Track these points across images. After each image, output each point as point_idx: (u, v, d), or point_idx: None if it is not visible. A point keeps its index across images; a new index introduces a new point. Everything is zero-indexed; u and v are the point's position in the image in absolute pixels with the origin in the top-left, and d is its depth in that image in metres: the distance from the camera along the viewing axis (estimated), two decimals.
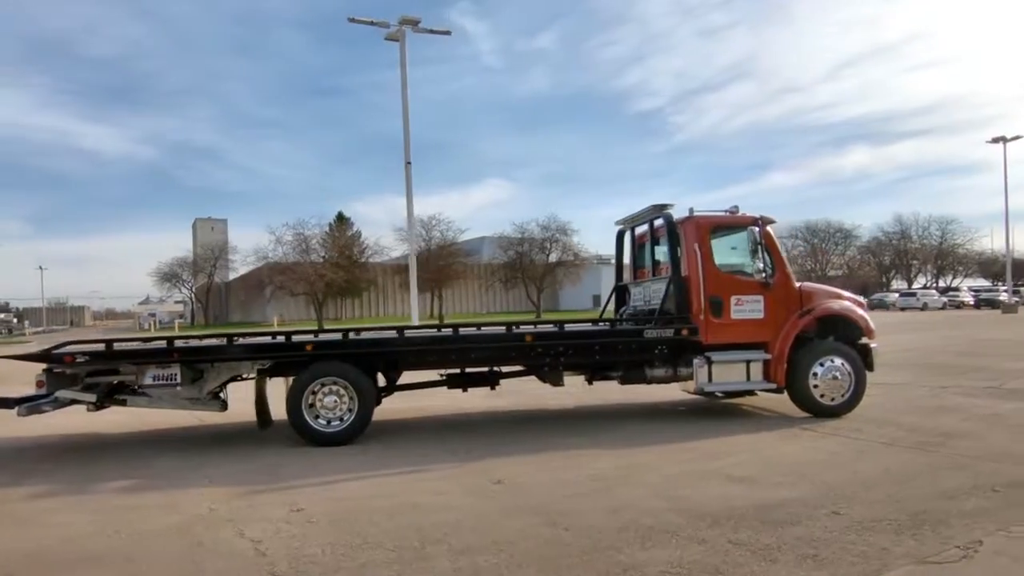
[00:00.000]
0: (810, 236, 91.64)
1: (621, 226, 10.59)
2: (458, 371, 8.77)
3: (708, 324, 8.53)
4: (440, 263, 58.73)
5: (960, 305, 61.12)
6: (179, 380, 7.53)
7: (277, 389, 8.00)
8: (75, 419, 9.06)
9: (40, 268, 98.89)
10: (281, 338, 8.04)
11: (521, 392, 10.59)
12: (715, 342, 8.56)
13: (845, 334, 9.00)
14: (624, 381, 9.03)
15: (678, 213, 9.08)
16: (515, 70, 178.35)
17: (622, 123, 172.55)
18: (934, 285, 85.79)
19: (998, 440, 7.05)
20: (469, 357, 8.53)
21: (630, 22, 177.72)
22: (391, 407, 9.60)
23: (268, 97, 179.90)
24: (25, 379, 8.25)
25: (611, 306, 10.98)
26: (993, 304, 54.96)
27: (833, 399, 8.59)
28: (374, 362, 8.12)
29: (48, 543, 4.56)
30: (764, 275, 8.62)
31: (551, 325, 8.74)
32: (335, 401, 7.68)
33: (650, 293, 9.66)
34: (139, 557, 4.28)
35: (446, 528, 4.68)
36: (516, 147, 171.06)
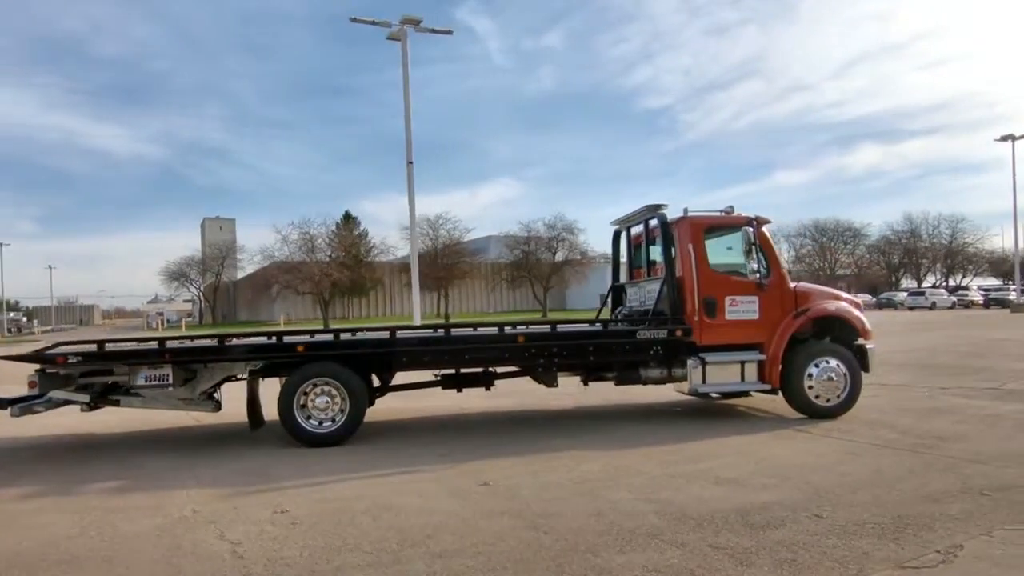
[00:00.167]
0: (819, 235, 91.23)
1: (617, 226, 10.56)
2: (453, 372, 8.77)
3: (702, 325, 8.49)
4: (446, 262, 58.84)
5: (969, 304, 60.67)
6: (171, 381, 7.55)
7: (271, 390, 8.01)
8: (71, 419, 9.13)
9: (49, 267, 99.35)
10: (272, 339, 8.04)
11: (521, 393, 10.56)
12: (709, 343, 8.52)
13: (841, 335, 8.95)
14: (619, 382, 9.00)
15: (674, 213, 9.04)
16: (523, 69, 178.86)
17: (630, 121, 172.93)
18: (944, 284, 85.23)
19: (992, 442, 6.98)
20: (463, 358, 8.50)
21: (638, 20, 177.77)
22: (387, 407, 9.64)
23: (277, 96, 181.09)
24: (22, 379, 8.28)
25: (609, 306, 10.95)
26: (1003, 303, 54.58)
27: (828, 400, 8.53)
28: (366, 363, 8.12)
29: (29, 544, 4.58)
30: (758, 276, 8.57)
31: (544, 326, 8.69)
32: (327, 402, 7.68)
33: (645, 293, 9.63)
34: (117, 559, 4.29)
35: (427, 530, 4.67)
36: (524, 146, 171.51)
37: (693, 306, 8.51)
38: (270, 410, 7.84)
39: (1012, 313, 44.03)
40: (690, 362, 8.41)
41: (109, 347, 7.66)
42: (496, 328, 8.50)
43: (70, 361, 7.32)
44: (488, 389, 8.98)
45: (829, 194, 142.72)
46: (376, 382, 8.64)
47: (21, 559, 4.32)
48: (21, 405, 7.42)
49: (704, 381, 8.43)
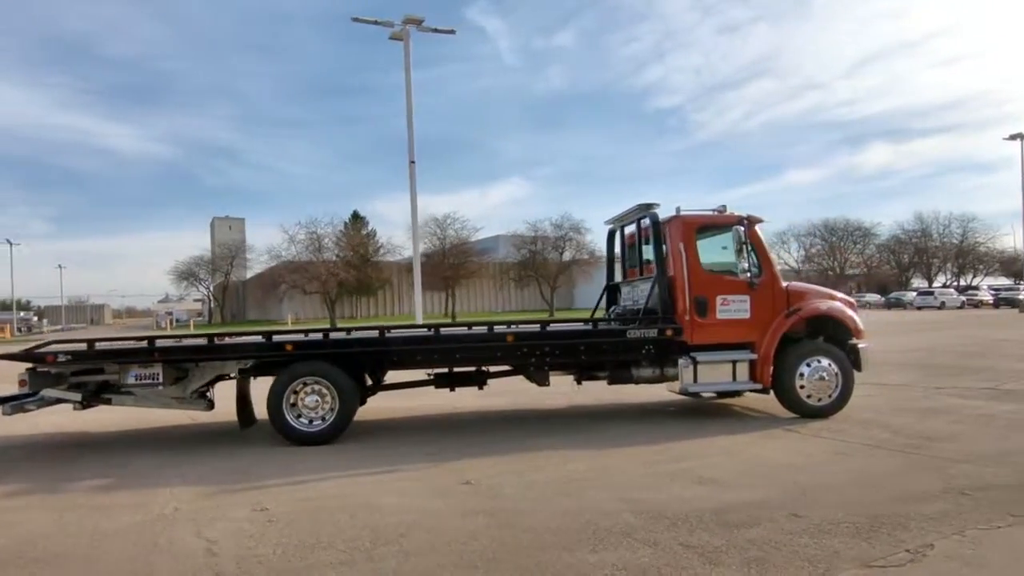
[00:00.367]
0: (828, 234, 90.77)
1: (611, 225, 10.56)
2: (446, 371, 8.79)
3: (693, 324, 8.47)
4: (453, 261, 58.96)
5: (979, 304, 60.24)
6: (161, 379, 7.61)
7: (265, 389, 8.04)
8: (65, 418, 9.20)
9: (59, 267, 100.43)
10: (262, 338, 8.08)
11: (515, 392, 10.54)
12: (701, 342, 8.50)
13: (835, 335, 8.90)
14: (611, 381, 8.98)
15: (669, 212, 9.01)
16: (533, 68, 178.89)
17: (640, 121, 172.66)
18: (954, 284, 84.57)
19: (981, 442, 6.94)
20: (453, 357, 8.51)
21: (650, 19, 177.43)
22: (381, 406, 9.68)
23: (288, 96, 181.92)
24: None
25: (604, 305, 10.92)
26: (1013, 303, 54.07)
27: (820, 400, 8.50)
28: (356, 362, 8.14)
29: (5, 542, 4.62)
30: (750, 275, 8.54)
31: (533, 325, 8.70)
32: (317, 401, 7.72)
33: (638, 293, 9.61)
34: (93, 557, 4.33)
35: (402, 529, 4.69)
36: (534, 145, 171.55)
37: (684, 305, 8.50)
38: (263, 409, 7.88)
39: (1021, 313, 43.66)
40: (681, 361, 8.39)
41: (99, 346, 7.72)
42: (485, 328, 8.51)
43: (60, 360, 7.39)
44: (481, 388, 9.00)
45: (841, 193, 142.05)
46: (368, 381, 8.67)
47: None
48: (12, 404, 7.49)
49: (695, 380, 8.40)
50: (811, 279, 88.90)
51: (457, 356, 8.50)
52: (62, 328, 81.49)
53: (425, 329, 9.23)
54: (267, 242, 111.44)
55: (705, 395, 9.35)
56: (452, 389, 8.94)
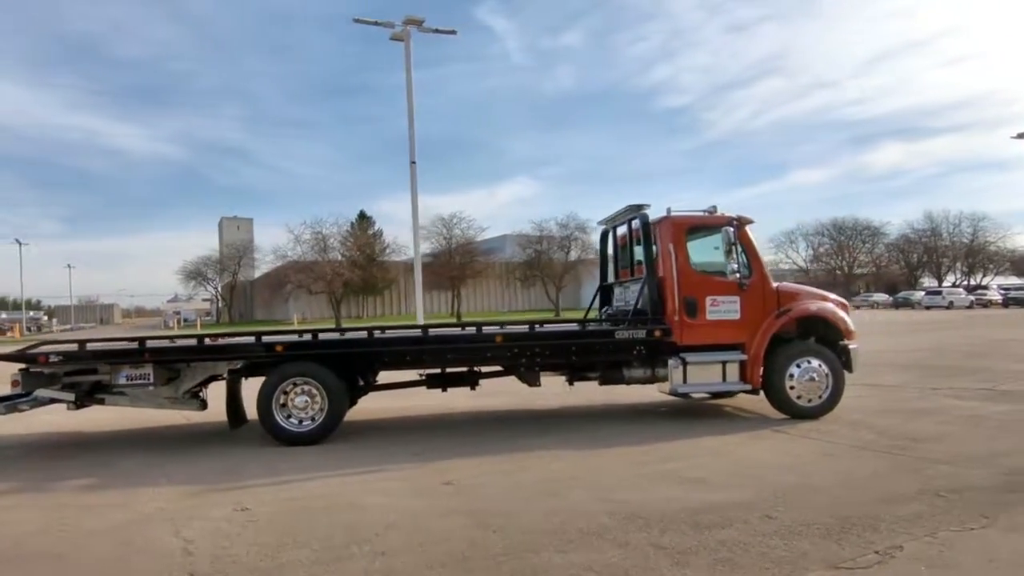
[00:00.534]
0: (837, 233, 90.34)
1: (604, 226, 10.57)
2: (438, 371, 8.83)
3: (683, 325, 8.47)
4: (459, 261, 59.08)
5: (988, 304, 59.83)
6: (152, 380, 7.68)
7: (256, 389, 8.09)
8: (61, 417, 9.26)
9: (68, 266, 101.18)
10: (251, 339, 8.14)
11: (511, 392, 10.48)
12: (690, 343, 8.50)
13: (826, 336, 8.90)
14: (603, 382, 9.00)
15: (663, 212, 9.00)
16: (541, 68, 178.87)
17: (649, 120, 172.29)
18: (964, 283, 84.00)
19: (968, 444, 6.92)
20: (444, 358, 8.55)
21: (657, 18, 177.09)
22: (375, 406, 9.76)
23: (296, 96, 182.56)
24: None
25: (598, 306, 10.94)
26: (1022, 303, 53.69)
27: (810, 401, 8.49)
28: (346, 363, 8.18)
29: None
30: (739, 276, 8.53)
31: (523, 326, 8.72)
32: (306, 401, 7.77)
33: (630, 294, 9.61)
34: (70, 556, 4.40)
35: (378, 529, 4.73)
36: (542, 145, 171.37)
37: (673, 306, 8.51)
38: (255, 409, 7.93)
39: None
40: (671, 362, 8.40)
41: (90, 347, 7.80)
42: (474, 328, 8.55)
43: (52, 360, 7.47)
44: (473, 388, 9.03)
45: (850, 193, 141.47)
46: (360, 382, 8.72)
47: None
48: (6, 404, 7.58)
49: (685, 381, 8.40)
50: (819, 278, 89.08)
51: (448, 357, 8.54)
52: (71, 328, 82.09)
53: (415, 330, 9.24)
54: (275, 242, 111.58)
55: (695, 396, 9.35)
56: (444, 390, 8.97)
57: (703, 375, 8.47)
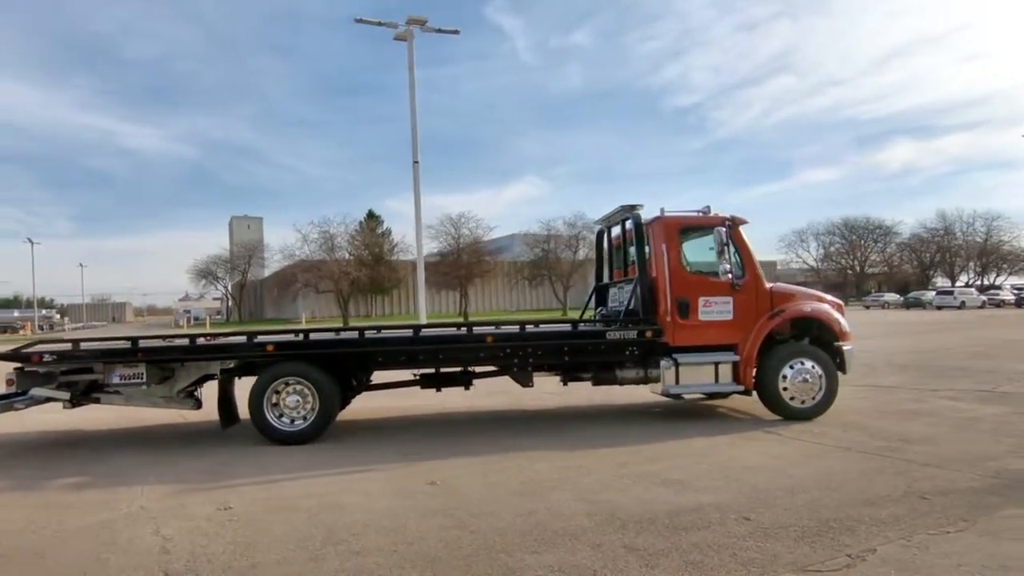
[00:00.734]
0: (848, 232, 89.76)
1: (600, 226, 10.56)
2: (432, 371, 8.85)
3: (675, 325, 8.46)
4: (467, 260, 59.15)
5: (1000, 304, 59.23)
6: (145, 379, 7.75)
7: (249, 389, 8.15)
8: (60, 416, 9.32)
9: (80, 265, 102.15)
10: (243, 339, 8.19)
11: (508, 393, 10.52)
12: (682, 344, 8.48)
13: (820, 337, 8.85)
14: (596, 382, 9.00)
15: (664, 212, 8.96)
16: (550, 67, 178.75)
17: (658, 119, 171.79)
18: (978, 283, 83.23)
19: (958, 446, 6.86)
20: (437, 358, 8.57)
21: (667, 17, 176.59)
22: (370, 406, 9.83)
23: (307, 95, 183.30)
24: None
25: (593, 306, 10.93)
26: None
27: (803, 402, 8.45)
28: (338, 363, 8.21)
29: None
30: (732, 276, 8.50)
31: (513, 326, 8.72)
32: (298, 401, 7.81)
33: (624, 294, 9.59)
34: (49, 553, 4.45)
35: (356, 529, 4.75)
36: (551, 144, 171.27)
37: (666, 306, 8.49)
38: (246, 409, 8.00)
39: None
40: (663, 363, 8.38)
41: (83, 346, 7.88)
42: (465, 328, 8.57)
43: (45, 360, 7.55)
44: (467, 389, 9.05)
45: (863, 192, 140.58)
46: (353, 382, 8.77)
47: None
48: (2, 402, 7.66)
49: (677, 382, 8.38)
50: (830, 278, 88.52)
51: (440, 357, 8.56)
52: (82, 326, 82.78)
53: (407, 330, 9.25)
54: (285, 241, 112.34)
55: (688, 396, 9.32)
56: (438, 389, 9.00)
57: (695, 376, 8.45)
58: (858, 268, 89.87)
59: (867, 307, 64.30)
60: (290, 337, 8.31)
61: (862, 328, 29.17)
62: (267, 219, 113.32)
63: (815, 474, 5.92)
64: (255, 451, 7.49)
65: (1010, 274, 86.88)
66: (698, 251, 9.02)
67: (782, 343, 8.71)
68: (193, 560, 4.24)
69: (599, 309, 10.48)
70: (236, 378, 8.26)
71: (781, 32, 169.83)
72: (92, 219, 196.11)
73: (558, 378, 9.30)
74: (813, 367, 8.46)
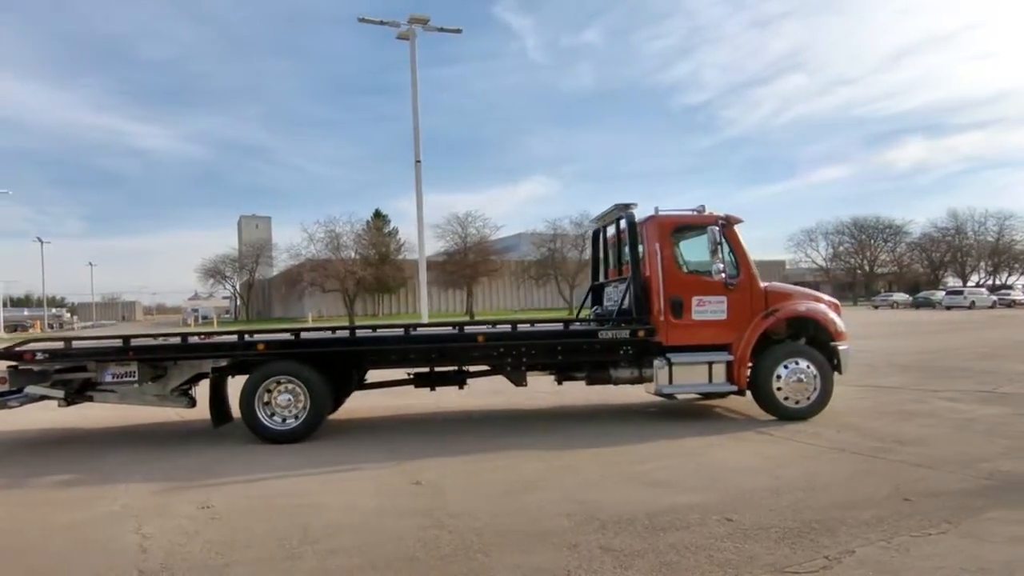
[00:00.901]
0: (858, 232, 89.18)
1: (596, 225, 10.52)
2: (427, 371, 8.84)
3: (668, 325, 8.41)
4: (473, 259, 59.20)
5: (1012, 304, 58.77)
6: (137, 377, 7.78)
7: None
8: (59, 414, 9.34)
9: (90, 264, 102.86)
10: (234, 338, 8.20)
11: (505, 392, 10.40)
12: (676, 343, 8.43)
13: (816, 337, 8.79)
14: (590, 382, 8.95)
15: (663, 211, 8.90)
16: (560, 65, 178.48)
17: (668, 118, 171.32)
18: (989, 283, 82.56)
19: (952, 447, 6.79)
20: (429, 357, 8.56)
21: (677, 15, 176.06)
22: (365, 405, 9.85)
23: (316, 95, 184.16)
24: None
25: (589, 306, 10.89)
26: None
27: (798, 402, 8.39)
28: (329, 361, 8.20)
29: None
30: (725, 275, 8.44)
31: (505, 326, 8.70)
32: (289, 400, 7.82)
33: (619, 293, 9.56)
34: (28, 551, 4.46)
35: (333, 528, 4.74)
36: (561, 143, 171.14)
37: (659, 306, 8.44)
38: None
39: None
40: (656, 362, 8.33)
41: (75, 344, 7.91)
42: (455, 328, 8.55)
43: (37, 358, 7.59)
44: (461, 388, 9.03)
45: (874, 191, 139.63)
46: (346, 380, 8.77)
47: None
48: None
49: (671, 382, 8.33)
50: (839, 278, 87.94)
51: (433, 356, 8.54)
52: (92, 324, 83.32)
53: (407, 330, 9.24)
54: (293, 240, 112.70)
55: (681, 396, 9.28)
56: (432, 389, 8.99)
57: (689, 376, 8.40)
58: (867, 268, 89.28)
59: (876, 307, 63.95)
60: (281, 336, 8.30)
61: (869, 328, 29.01)
62: (276, 218, 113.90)
63: (803, 475, 5.87)
64: (246, 450, 7.49)
65: (1022, 274, 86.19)
66: (692, 250, 8.98)
67: (778, 343, 8.65)
68: (169, 558, 4.24)
69: (595, 308, 10.44)
70: (230, 377, 8.27)
71: (791, 30, 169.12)
72: (103, 218, 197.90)
73: (553, 378, 9.29)
74: (808, 367, 8.40)
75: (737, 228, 8.76)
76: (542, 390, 10.50)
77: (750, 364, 8.47)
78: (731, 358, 8.41)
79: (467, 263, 58.50)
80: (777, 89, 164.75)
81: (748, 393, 8.56)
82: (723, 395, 9.17)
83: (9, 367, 7.73)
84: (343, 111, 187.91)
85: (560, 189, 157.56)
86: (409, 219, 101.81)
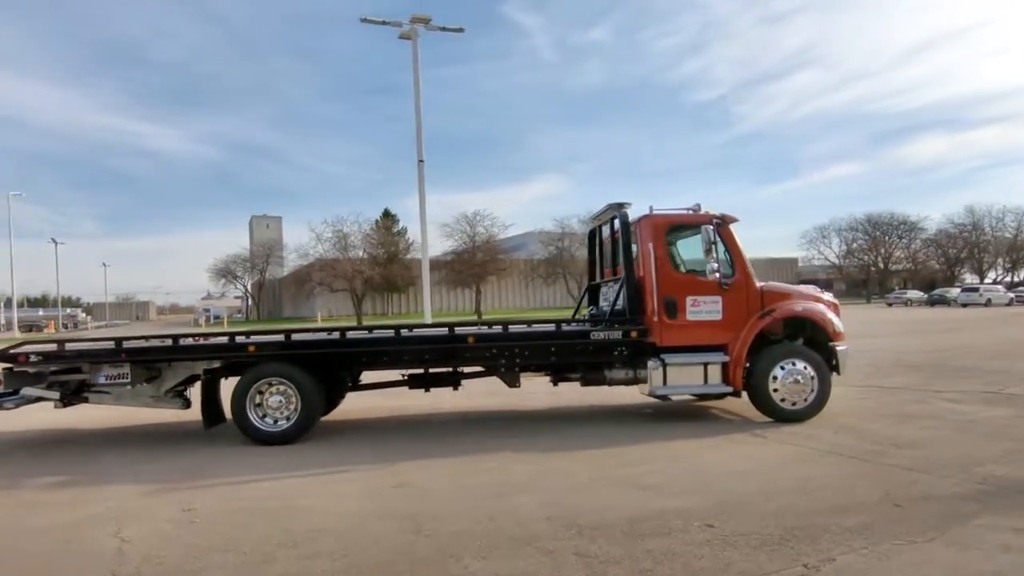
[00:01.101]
0: (872, 228, 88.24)
1: (592, 224, 10.45)
2: (421, 372, 8.81)
3: (663, 325, 8.33)
4: (482, 258, 59.19)
5: None
6: (130, 379, 7.79)
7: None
8: (58, 415, 9.38)
9: (103, 265, 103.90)
10: (225, 340, 8.20)
11: (503, 393, 10.39)
12: (670, 344, 8.35)
13: (813, 337, 8.68)
14: (584, 383, 8.90)
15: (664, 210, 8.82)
16: (570, 63, 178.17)
17: (680, 115, 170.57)
18: (1007, 279, 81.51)
19: (949, 450, 6.67)
20: (422, 358, 8.53)
21: (688, 10, 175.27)
22: (362, 406, 9.83)
23: (326, 95, 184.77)
24: None
25: (585, 305, 10.82)
26: None
27: (795, 403, 8.28)
28: (321, 363, 8.19)
29: None
30: (721, 275, 8.34)
31: (497, 326, 8.65)
32: (281, 401, 7.81)
33: (613, 293, 9.49)
34: (5, 555, 4.46)
35: (313, 532, 4.71)
36: (571, 141, 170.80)
37: (653, 306, 8.36)
38: None
39: None
40: (650, 363, 8.25)
41: (69, 346, 7.94)
42: (446, 328, 8.52)
43: (31, 360, 7.62)
44: (455, 389, 8.99)
45: (890, 187, 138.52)
46: (339, 382, 8.76)
47: None
48: None
49: (665, 383, 8.25)
50: (852, 275, 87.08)
51: (425, 357, 8.51)
52: (105, 324, 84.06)
53: (402, 330, 9.21)
54: (303, 240, 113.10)
55: (675, 397, 9.19)
56: (427, 390, 8.97)
57: (684, 377, 8.31)
58: (882, 265, 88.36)
59: (890, 304, 63.27)
60: (271, 338, 8.29)
61: (880, 327, 28.73)
62: (286, 218, 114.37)
63: (793, 479, 5.78)
64: (237, 451, 7.49)
65: None
66: (687, 250, 8.90)
67: (775, 343, 8.55)
68: (145, 562, 4.23)
69: (591, 308, 10.37)
70: (223, 378, 8.28)
71: (805, 25, 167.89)
72: (117, 219, 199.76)
73: (548, 379, 9.23)
74: (805, 368, 8.29)
75: (733, 227, 8.66)
76: (538, 391, 10.46)
77: (746, 365, 8.37)
78: (727, 359, 8.32)
79: (475, 262, 58.45)
80: (791, 84, 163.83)
81: (744, 394, 8.47)
82: (719, 396, 9.07)
83: (4, 369, 7.78)
84: (353, 111, 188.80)
85: (570, 187, 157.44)
86: (418, 218, 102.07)
